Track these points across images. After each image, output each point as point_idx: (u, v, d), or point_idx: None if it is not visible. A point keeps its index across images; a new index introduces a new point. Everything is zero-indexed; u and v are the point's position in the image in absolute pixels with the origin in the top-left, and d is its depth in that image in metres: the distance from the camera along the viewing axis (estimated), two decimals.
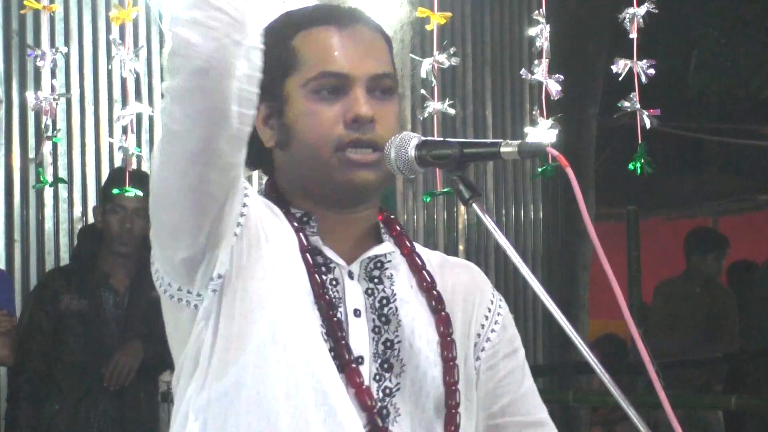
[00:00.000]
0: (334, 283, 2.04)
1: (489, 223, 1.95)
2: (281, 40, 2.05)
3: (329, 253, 2.05)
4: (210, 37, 1.84)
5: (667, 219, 13.47)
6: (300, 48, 2.04)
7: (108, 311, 5.10)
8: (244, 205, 1.99)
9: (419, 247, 2.17)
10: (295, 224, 2.05)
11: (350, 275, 2.06)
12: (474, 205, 1.97)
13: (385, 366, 2.04)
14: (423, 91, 3.98)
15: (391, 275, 2.09)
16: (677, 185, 12.31)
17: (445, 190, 3.99)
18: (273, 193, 2.10)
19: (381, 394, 2.02)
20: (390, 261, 2.10)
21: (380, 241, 2.11)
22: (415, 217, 7.42)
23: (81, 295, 5.10)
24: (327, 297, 2.00)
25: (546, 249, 7.96)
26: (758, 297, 7.30)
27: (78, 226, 5.95)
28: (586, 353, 1.89)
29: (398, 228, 2.15)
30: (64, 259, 5.93)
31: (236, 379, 1.95)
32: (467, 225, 7.55)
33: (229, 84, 1.86)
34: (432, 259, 2.17)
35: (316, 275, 2.01)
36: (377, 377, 2.03)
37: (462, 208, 7.49)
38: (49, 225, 6.03)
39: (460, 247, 7.54)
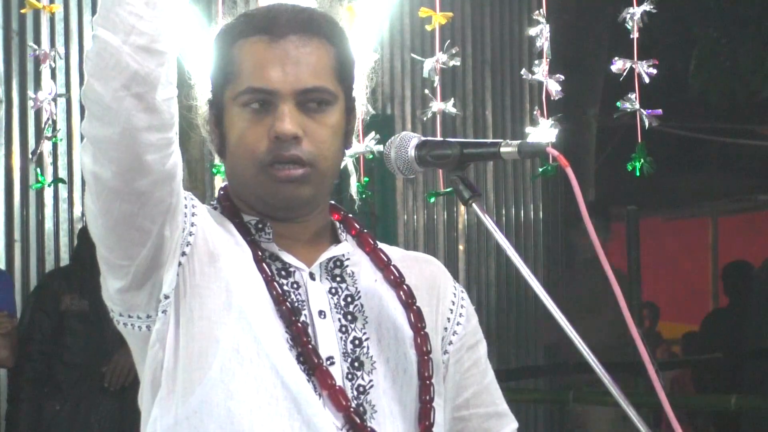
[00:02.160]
0: (295, 286, 2.03)
1: (489, 223, 1.95)
2: (224, 46, 2.04)
3: (287, 257, 2.04)
4: (110, 90, 1.81)
5: (667, 219, 13.47)
6: (235, 58, 2.02)
7: (108, 311, 5.10)
8: (192, 225, 1.97)
9: (379, 243, 2.17)
10: (250, 235, 2.03)
11: (311, 276, 2.05)
12: (474, 205, 1.97)
13: (356, 364, 2.02)
14: (427, 91, 3.97)
15: (353, 273, 2.08)
16: (677, 185, 12.31)
17: (448, 189, 3.98)
18: (225, 201, 2.08)
19: (355, 392, 2.01)
20: (349, 259, 2.09)
21: (338, 241, 2.10)
22: (415, 217, 7.42)
23: (81, 295, 5.10)
24: (288, 303, 1.99)
25: (546, 249, 7.97)
26: (756, 297, 7.30)
27: (78, 226, 5.95)
28: (586, 353, 1.89)
29: (357, 226, 2.14)
30: (64, 259, 5.93)
31: (204, 398, 1.94)
32: (467, 225, 7.55)
33: (139, 138, 1.83)
34: (393, 254, 2.16)
35: (275, 282, 2.00)
36: (349, 376, 2.02)
37: (462, 208, 7.49)
38: (49, 225, 6.03)
39: (460, 247, 7.54)
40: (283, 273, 2.03)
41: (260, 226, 2.04)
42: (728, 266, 9.15)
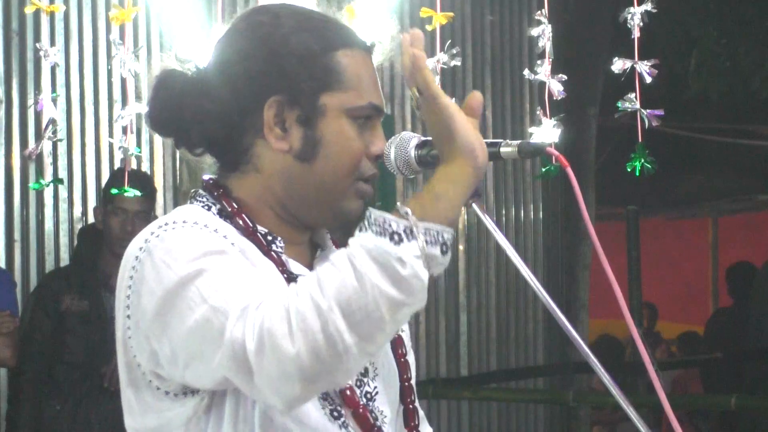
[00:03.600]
0: None
1: (489, 223, 1.94)
2: (322, 50, 1.98)
3: (297, 268, 2.00)
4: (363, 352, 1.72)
5: (667, 219, 13.47)
6: (345, 67, 1.98)
7: (108, 312, 5.10)
8: None
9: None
10: (267, 248, 1.97)
11: None
12: (474, 205, 1.97)
13: (362, 371, 2.01)
14: None
15: None
16: (677, 185, 12.30)
17: None
18: (232, 208, 1.99)
19: (364, 400, 2.01)
20: None
21: (314, 244, 2.10)
22: None
23: (81, 295, 5.10)
24: None
25: (546, 249, 7.96)
26: (757, 297, 7.30)
27: (78, 226, 5.95)
28: (586, 353, 1.89)
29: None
30: (64, 259, 5.92)
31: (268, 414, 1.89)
32: (467, 225, 7.55)
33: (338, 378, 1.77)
34: None
35: None
36: (358, 383, 2.01)
37: (462, 208, 7.48)
38: (49, 225, 6.02)
39: (460, 247, 7.54)
40: None
41: (270, 238, 2.00)
42: (732, 267, 9.17)
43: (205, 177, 2.05)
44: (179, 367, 1.84)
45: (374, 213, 1.74)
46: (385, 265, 1.69)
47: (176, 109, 1.99)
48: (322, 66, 1.97)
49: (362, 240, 1.72)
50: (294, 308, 1.69)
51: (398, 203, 1.74)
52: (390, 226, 1.72)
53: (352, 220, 2.00)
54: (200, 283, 1.79)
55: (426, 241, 1.72)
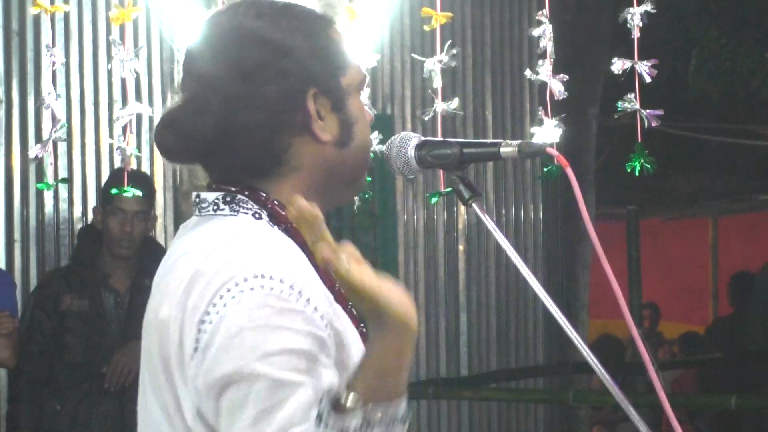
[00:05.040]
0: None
1: (489, 223, 1.95)
2: (320, 33, 1.98)
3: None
4: None
5: (667, 219, 13.47)
6: (339, 45, 1.99)
7: (108, 312, 5.10)
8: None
9: None
10: (317, 266, 1.89)
11: None
12: (474, 205, 1.97)
13: None
14: (432, 90, 3.97)
15: None
16: (677, 185, 12.32)
17: (448, 189, 3.99)
18: (281, 219, 1.92)
19: None
20: None
21: None
22: (415, 217, 7.42)
23: (81, 295, 5.09)
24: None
25: (546, 249, 7.97)
26: (754, 300, 7.32)
27: (78, 226, 5.95)
28: (586, 353, 1.89)
29: None
30: (64, 259, 5.92)
31: None
32: (467, 225, 7.55)
33: None
34: None
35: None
36: None
37: (462, 208, 7.48)
38: (49, 225, 6.03)
39: (460, 247, 7.54)
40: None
41: None
42: (733, 276, 9.19)
43: (224, 183, 1.96)
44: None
45: (330, 415, 1.73)
46: None
47: (215, 131, 1.91)
48: (329, 49, 1.97)
49: None
50: None
51: (351, 395, 1.74)
52: (348, 426, 1.73)
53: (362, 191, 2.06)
54: (261, 386, 1.76)
55: (385, 425, 1.75)
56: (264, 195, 1.93)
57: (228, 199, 1.93)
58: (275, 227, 1.91)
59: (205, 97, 1.91)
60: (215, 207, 1.93)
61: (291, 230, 1.90)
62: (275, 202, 1.92)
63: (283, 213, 1.91)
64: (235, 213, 1.91)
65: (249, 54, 1.93)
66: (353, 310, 1.91)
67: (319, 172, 1.95)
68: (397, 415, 1.76)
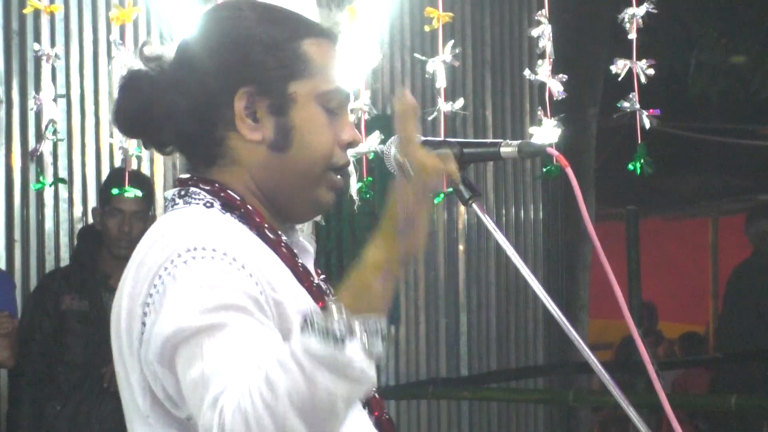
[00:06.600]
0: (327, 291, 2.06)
1: (489, 223, 1.95)
2: (288, 39, 1.99)
3: (304, 257, 2.06)
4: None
5: (667, 219, 13.46)
6: (312, 55, 2.00)
7: (109, 312, 5.09)
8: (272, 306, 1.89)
9: None
10: (277, 241, 1.99)
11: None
12: (474, 205, 1.97)
13: None
14: (435, 91, 3.97)
15: None
16: (677, 185, 12.31)
17: (448, 190, 3.98)
18: (237, 201, 1.99)
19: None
20: None
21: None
22: None
23: (81, 295, 5.09)
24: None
25: (546, 249, 7.96)
26: (725, 304, 7.34)
27: (78, 226, 5.95)
28: (586, 353, 1.89)
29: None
30: (64, 259, 5.92)
31: None
32: (467, 225, 7.55)
33: None
34: None
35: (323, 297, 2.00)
36: None
37: (462, 208, 7.48)
38: (49, 225, 6.02)
39: (460, 247, 7.54)
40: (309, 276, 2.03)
41: (278, 235, 2.02)
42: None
43: (183, 176, 2.04)
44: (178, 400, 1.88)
45: (316, 317, 1.74)
46: (334, 369, 1.72)
47: (145, 107, 2.01)
48: (289, 54, 1.99)
49: (308, 345, 1.73)
50: (252, 416, 1.71)
51: (332, 303, 1.76)
52: (332, 328, 1.73)
53: (321, 212, 2.06)
54: (207, 340, 1.79)
55: (366, 335, 1.75)
56: (218, 185, 1.98)
57: (182, 192, 2.00)
58: (227, 214, 1.96)
59: (148, 75, 2.04)
60: (173, 203, 2.00)
61: (246, 216, 1.96)
62: (229, 192, 1.98)
63: (238, 201, 1.97)
64: (188, 204, 1.98)
65: (199, 44, 2.01)
66: (316, 289, 1.97)
67: (256, 171, 1.99)
68: (377, 327, 1.76)
